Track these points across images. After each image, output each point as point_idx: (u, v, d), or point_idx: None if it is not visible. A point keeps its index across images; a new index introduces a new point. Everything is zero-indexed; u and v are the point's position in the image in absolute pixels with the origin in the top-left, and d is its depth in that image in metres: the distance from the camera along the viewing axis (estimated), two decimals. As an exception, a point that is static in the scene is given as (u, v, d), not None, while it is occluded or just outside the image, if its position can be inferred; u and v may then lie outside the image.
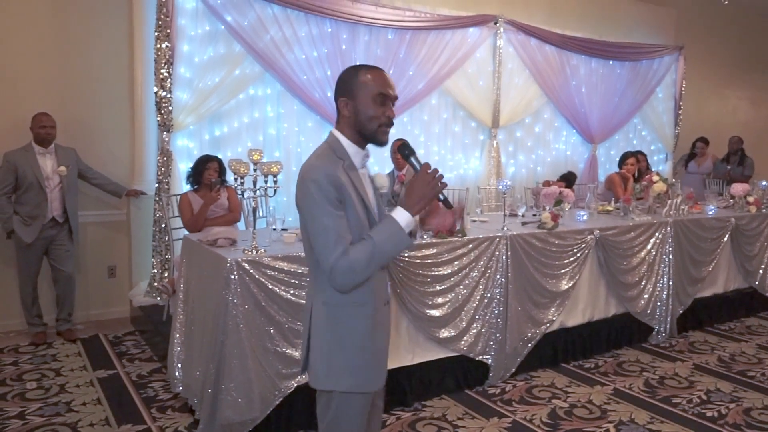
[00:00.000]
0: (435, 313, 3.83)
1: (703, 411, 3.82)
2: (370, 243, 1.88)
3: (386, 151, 5.45)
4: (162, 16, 4.84)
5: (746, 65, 9.91)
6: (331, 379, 2.00)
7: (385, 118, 1.98)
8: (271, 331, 3.20)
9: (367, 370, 2.02)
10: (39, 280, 4.81)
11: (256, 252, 3.22)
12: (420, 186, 1.92)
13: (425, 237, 3.78)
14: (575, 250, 4.46)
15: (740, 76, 9.89)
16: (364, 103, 1.96)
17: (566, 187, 6.20)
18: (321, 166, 1.91)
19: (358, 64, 2.07)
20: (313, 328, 2.03)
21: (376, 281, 2.01)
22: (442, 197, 1.99)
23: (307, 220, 1.92)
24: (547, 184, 6.05)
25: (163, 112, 4.95)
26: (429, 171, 1.93)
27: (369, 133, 1.99)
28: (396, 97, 2.03)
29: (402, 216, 1.91)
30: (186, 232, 4.36)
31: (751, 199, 5.94)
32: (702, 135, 8.35)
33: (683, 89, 8.59)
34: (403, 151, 2.05)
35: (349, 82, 1.99)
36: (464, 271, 3.93)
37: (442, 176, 1.94)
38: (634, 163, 6.30)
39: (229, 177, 4.55)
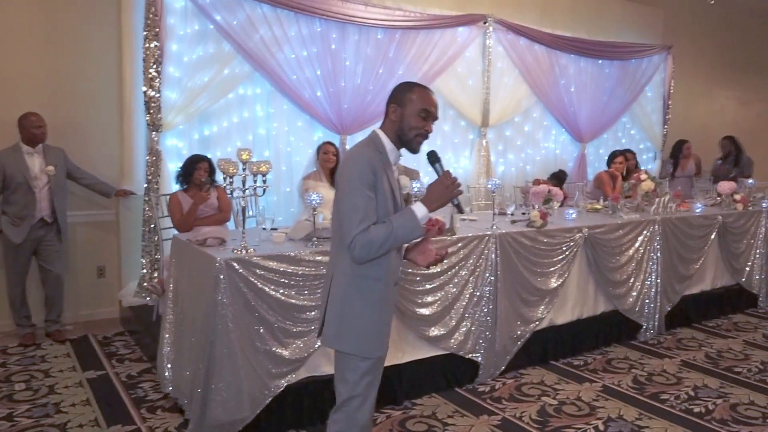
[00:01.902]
0: (425, 311, 3.84)
1: (691, 407, 3.86)
2: (389, 225, 2.18)
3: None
4: (151, 16, 4.82)
5: (734, 65, 9.99)
6: (341, 342, 2.30)
7: (424, 130, 2.32)
8: (261, 330, 3.20)
9: (372, 337, 2.31)
10: (27, 281, 4.79)
11: (246, 251, 3.22)
12: (440, 188, 2.26)
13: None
14: (564, 249, 4.49)
15: (728, 76, 9.96)
16: (410, 113, 2.30)
17: (557, 185, 6.24)
18: (366, 153, 2.25)
19: (412, 81, 2.44)
20: (332, 294, 2.32)
21: (391, 261, 2.31)
22: (456, 201, 2.30)
23: (343, 195, 2.21)
24: (537, 182, 6.08)
25: (152, 111, 4.93)
26: (449, 177, 2.26)
27: (407, 140, 2.33)
28: (437, 117, 2.36)
29: (420, 209, 2.21)
30: (175, 232, 4.35)
31: (737, 197, 5.99)
32: (690, 134, 8.38)
33: (672, 88, 8.65)
34: (430, 157, 2.39)
35: (402, 93, 2.33)
36: (454, 270, 3.95)
37: (459, 184, 2.27)
38: (623, 161, 6.33)
39: (219, 177, 4.54)
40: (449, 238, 3.92)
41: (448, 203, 2.29)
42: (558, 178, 6.52)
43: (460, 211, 2.41)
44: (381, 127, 2.38)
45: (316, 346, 3.34)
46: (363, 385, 2.33)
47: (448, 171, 2.30)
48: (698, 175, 8.25)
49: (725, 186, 6.07)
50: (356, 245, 2.16)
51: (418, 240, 2.43)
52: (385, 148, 2.32)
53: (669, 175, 7.92)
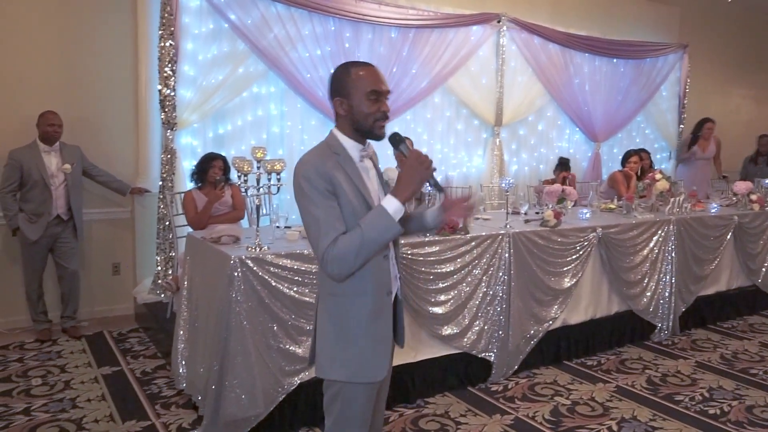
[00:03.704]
0: (438, 310, 3.84)
1: (706, 408, 3.83)
2: (358, 231, 1.90)
3: (388, 148, 5.46)
4: (166, 15, 4.85)
5: (750, 64, 9.89)
6: (334, 369, 2.03)
7: (380, 113, 2.02)
8: (275, 328, 3.22)
9: (368, 359, 2.04)
10: (44, 278, 4.84)
11: (260, 249, 3.23)
12: (408, 171, 1.94)
13: (428, 235, 3.78)
14: (578, 248, 4.47)
15: (744, 74, 9.87)
16: (357, 101, 2.00)
17: (566, 171, 6.20)
18: (310, 160, 1.98)
19: (347, 61, 2.11)
20: (319, 319, 2.09)
21: (375, 270, 2.02)
22: (431, 182, 2.00)
23: (301, 213, 1.97)
24: (548, 183, 6.06)
25: (167, 109, 4.96)
26: (418, 156, 1.95)
27: (366, 129, 2.03)
28: (388, 91, 2.05)
29: (390, 203, 1.92)
30: (190, 230, 4.38)
31: (754, 197, 5.93)
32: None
33: (687, 87, 8.57)
34: (392, 141, 2.10)
35: (341, 82, 2.02)
36: (467, 269, 3.95)
37: (431, 161, 1.96)
38: (638, 161, 6.30)
39: (233, 175, 4.56)
40: (462, 236, 3.91)
41: (423, 186, 2.01)
42: (563, 164, 6.45)
43: (439, 189, 2.05)
44: (336, 126, 2.09)
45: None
46: (356, 419, 2.07)
47: (415, 149, 1.99)
48: (717, 160, 8.09)
49: (741, 186, 6.01)
50: (328, 262, 1.90)
51: (438, 215, 2.16)
52: (342, 147, 2.04)
53: (685, 147, 7.69)
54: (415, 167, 1.94)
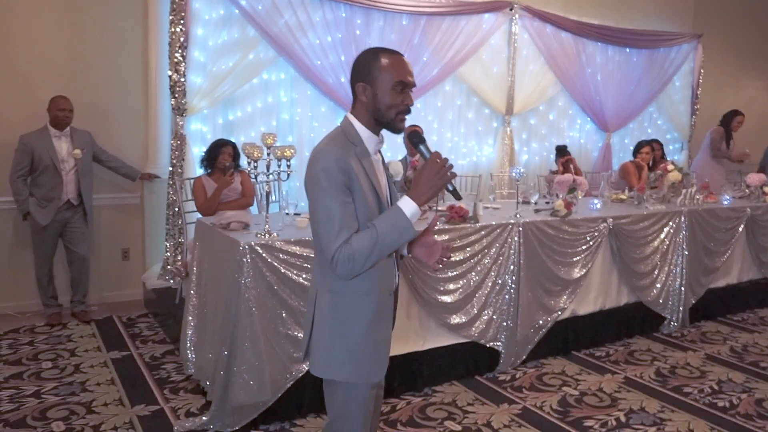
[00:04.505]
0: (446, 299, 3.83)
1: (715, 401, 3.81)
2: (373, 232, 1.83)
3: (398, 137, 5.44)
4: (176, 0, 4.84)
5: (765, 55, 9.76)
6: (331, 368, 1.98)
7: (404, 106, 1.94)
8: (283, 314, 3.22)
9: (368, 360, 1.99)
10: (54, 262, 4.87)
11: (269, 236, 3.23)
12: (428, 175, 1.86)
13: (439, 223, 3.76)
14: (588, 239, 4.44)
15: (759, 65, 9.73)
16: (382, 90, 1.91)
17: (567, 155, 6.14)
18: (331, 151, 1.87)
19: (375, 46, 2.02)
20: (317, 315, 2.01)
21: (381, 270, 1.98)
22: (450, 187, 1.94)
23: (314, 205, 1.89)
24: (556, 173, 6.01)
25: (176, 95, 4.96)
26: (438, 160, 1.87)
27: (387, 121, 1.95)
28: (414, 84, 1.97)
29: (408, 206, 1.84)
30: (199, 216, 4.38)
31: (767, 189, 5.87)
32: (719, 123, 8.18)
33: (701, 78, 8.48)
34: (413, 138, 2.03)
35: (367, 67, 1.93)
36: (476, 258, 3.93)
37: (451, 166, 1.88)
38: (649, 151, 6.24)
39: (243, 162, 4.56)
40: (472, 225, 3.90)
41: (441, 191, 1.94)
42: (561, 151, 6.37)
43: (457, 197, 1.98)
44: (353, 111, 1.99)
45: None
46: (358, 417, 2.03)
47: (436, 152, 1.89)
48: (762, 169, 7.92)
49: (755, 178, 5.96)
50: (338, 262, 1.82)
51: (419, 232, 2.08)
52: (360, 137, 1.95)
53: (722, 144, 7.41)
54: (435, 171, 1.86)
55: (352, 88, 1.98)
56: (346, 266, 1.83)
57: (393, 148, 5.91)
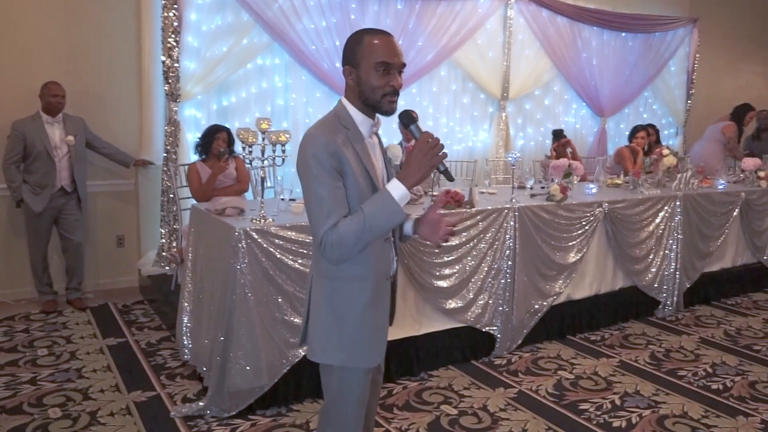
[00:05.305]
0: (442, 284, 3.84)
1: (709, 384, 3.84)
2: (360, 216, 1.80)
3: (394, 122, 5.42)
4: (169, -17, 4.79)
5: (762, 40, 9.72)
6: (328, 353, 1.98)
7: (390, 87, 1.88)
8: (279, 300, 3.22)
9: (364, 345, 1.98)
10: (49, 250, 4.85)
11: (264, 221, 3.22)
12: (418, 156, 1.83)
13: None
14: (583, 223, 4.45)
15: (755, 50, 9.71)
16: (365, 72, 1.87)
17: (563, 138, 6.14)
18: (320, 135, 1.85)
19: (363, 28, 1.98)
20: (313, 301, 2.01)
21: (376, 255, 1.96)
22: (441, 168, 1.90)
23: (305, 188, 1.88)
24: (550, 158, 6.01)
25: (170, 81, 4.92)
26: (429, 140, 1.83)
27: (373, 103, 1.91)
28: (403, 64, 1.91)
29: (396, 188, 1.82)
30: (194, 202, 4.36)
31: (761, 173, 5.89)
32: (715, 110, 8.16)
33: (696, 63, 8.46)
34: (403, 119, 1.99)
35: (352, 49, 1.90)
36: (472, 243, 3.93)
37: (442, 146, 1.83)
38: (645, 136, 6.24)
39: (238, 147, 4.54)
40: (468, 210, 3.89)
41: (432, 172, 1.89)
42: (558, 134, 6.36)
43: (449, 177, 1.94)
44: (345, 95, 1.97)
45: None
46: (354, 402, 2.03)
47: (426, 132, 1.86)
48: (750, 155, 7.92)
49: (749, 162, 5.96)
50: (326, 246, 1.81)
51: (413, 227, 2.07)
52: (353, 120, 1.93)
53: (743, 140, 7.42)
54: (424, 151, 1.82)
55: (342, 71, 1.96)
56: (335, 250, 1.82)
57: (388, 133, 5.89)
